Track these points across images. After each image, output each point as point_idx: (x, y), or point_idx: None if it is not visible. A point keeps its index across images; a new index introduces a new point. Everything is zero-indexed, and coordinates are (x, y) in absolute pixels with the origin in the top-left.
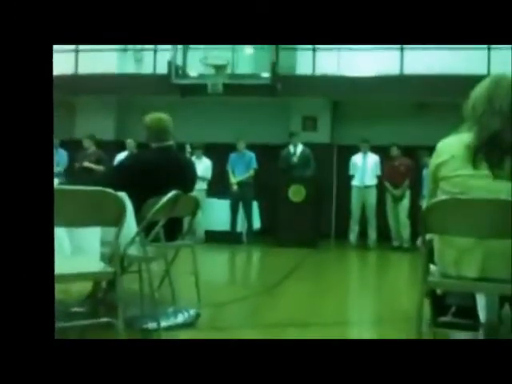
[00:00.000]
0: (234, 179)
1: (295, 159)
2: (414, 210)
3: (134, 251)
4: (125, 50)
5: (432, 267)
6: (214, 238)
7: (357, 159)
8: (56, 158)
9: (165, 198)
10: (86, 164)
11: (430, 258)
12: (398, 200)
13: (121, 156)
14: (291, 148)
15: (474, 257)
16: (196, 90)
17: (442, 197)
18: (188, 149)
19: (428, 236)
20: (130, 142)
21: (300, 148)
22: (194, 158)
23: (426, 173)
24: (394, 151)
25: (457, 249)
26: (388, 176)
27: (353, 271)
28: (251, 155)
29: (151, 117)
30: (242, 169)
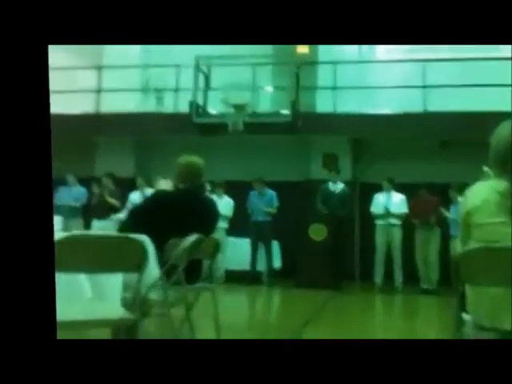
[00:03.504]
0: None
1: (333, 196)
2: (445, 252)
3: (154, 295)
4: (146, 90)
5: (464, 316)
6: (234, 277)
7: (380, 197)
8: (75, 195)
9: (187, 242)
10: (106, 197)
11: (462, 306)
12: (427, 240)
13: (134, 195)
14: (330, 185)
15: (509, 308)
16: (216, 128)
17: (474, 245)
18: (208, 187)
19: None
20: (140, 181)
21: (340, 186)
22: (214, 197)
23: (453, 210)
24: (421, 191)
25: (491, 299)
26: (415, 214)
27: (377, 318)
28: (272, 193)
29: (185, 158)
30: (262, 207)
